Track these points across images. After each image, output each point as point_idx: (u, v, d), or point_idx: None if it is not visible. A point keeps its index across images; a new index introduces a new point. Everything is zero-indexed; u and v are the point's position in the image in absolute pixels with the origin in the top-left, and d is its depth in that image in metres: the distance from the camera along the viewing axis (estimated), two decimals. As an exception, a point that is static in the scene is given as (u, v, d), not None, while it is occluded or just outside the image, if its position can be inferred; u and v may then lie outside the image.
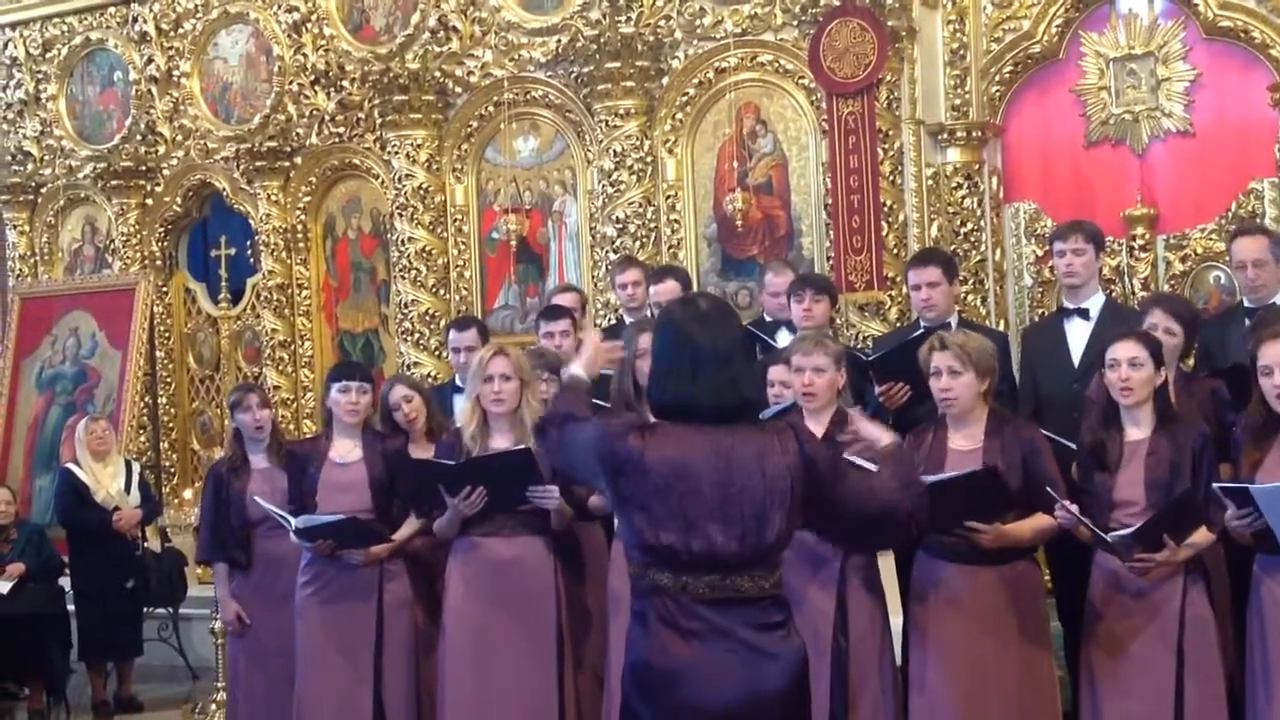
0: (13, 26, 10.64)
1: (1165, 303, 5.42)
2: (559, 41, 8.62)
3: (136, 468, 8.37)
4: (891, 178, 7.70)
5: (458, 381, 6.40)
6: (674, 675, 3.34)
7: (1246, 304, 5.64)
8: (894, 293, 7.58)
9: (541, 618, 5.17)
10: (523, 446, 5.07)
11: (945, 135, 7.68)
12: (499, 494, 5.10)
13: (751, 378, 3.47)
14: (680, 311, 3.51)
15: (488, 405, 5.19)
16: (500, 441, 5.20)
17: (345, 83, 9.32)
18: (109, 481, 8.00)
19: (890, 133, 7.69)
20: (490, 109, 8.92)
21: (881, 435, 3.82)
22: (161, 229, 10.15)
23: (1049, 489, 4.53)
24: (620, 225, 8.32)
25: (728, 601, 3.33)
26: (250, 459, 6.23)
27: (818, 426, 4.95)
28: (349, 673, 5.55)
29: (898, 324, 7.37)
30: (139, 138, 10.07)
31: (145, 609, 8.25)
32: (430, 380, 7.93)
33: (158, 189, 10.08)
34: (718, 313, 3.45)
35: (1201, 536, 4.48)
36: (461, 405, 5.39)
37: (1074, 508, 4.48)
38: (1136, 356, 4.61)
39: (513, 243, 8.77)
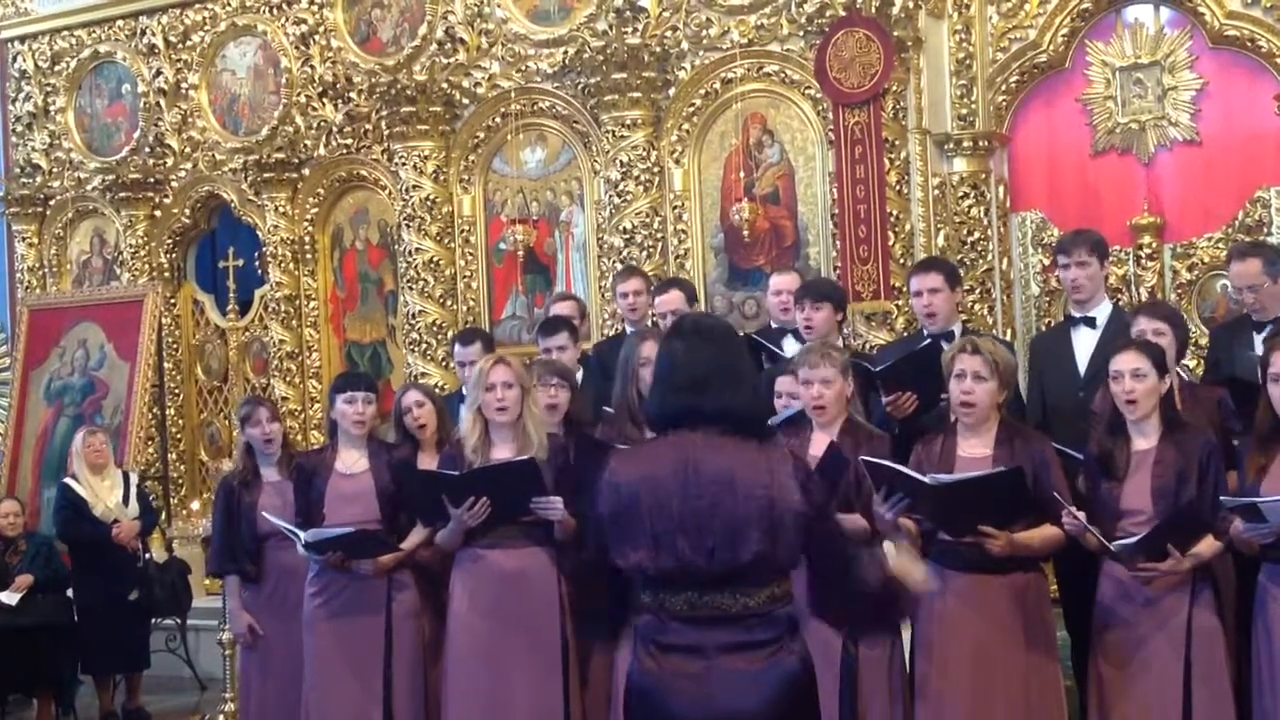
0: (21, 39, 10.69)
1: (1145, 309, 5.50)
2: (566, 53, 8.64)
3: (135, 478, 8.35)
4: (898, 187, 7.70)
5: (464, 392, 6.41)
6: (648, 691, 3.31)
7: (1254, 318, 5.65)
8: (900, 302, 7.57)
9: (546, 629, 5.16)
10: (527, 457, 5.07)
11: (951, 145, 7.68)
12: (503, 505, 5.10)
13: (740, 390, 3.34)
14: (670, 330, 3.52)
15: (490, 414, 5.20)
16: (503, 451, 5.20)
17: (353, 94, 9.35)
18: (107, 494, 8.00)
19: (896, 142, 7.70)
20: (497, 120, 8.94)
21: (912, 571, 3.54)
22: (170, 240, 10.18)
23: (1056, 494, 4.53)
24: (627, 236, 8.33)
25: (707, 620, 3.25)
26: (261, 472, 6.23)
27: (827, 437, 4.97)
28: (358, 685, 5.55)
29: (904, 333, 7.37)
30: (147, 150, 10.10)
31: (153, 620, 8.25)
32: (439, 390, 7.94)
33: (166, 201, 10.11)
34: (704, 329, 3.41)
35: (1207, 546, 4.48)
36: (463, 416, 5.38)
37: (1081, 515, 4.48)
38: (1139, 368, 4.61)
39: (520, 253, 8.78)
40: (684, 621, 3.26)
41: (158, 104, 10.09)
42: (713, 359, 3.32)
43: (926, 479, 4.49)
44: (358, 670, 5.55)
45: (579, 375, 6.03)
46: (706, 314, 3.75)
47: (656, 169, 8.37)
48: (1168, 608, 4.55)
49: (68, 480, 8.11)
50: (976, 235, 7.67)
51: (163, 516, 9.45)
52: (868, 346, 7.50)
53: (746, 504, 3.21)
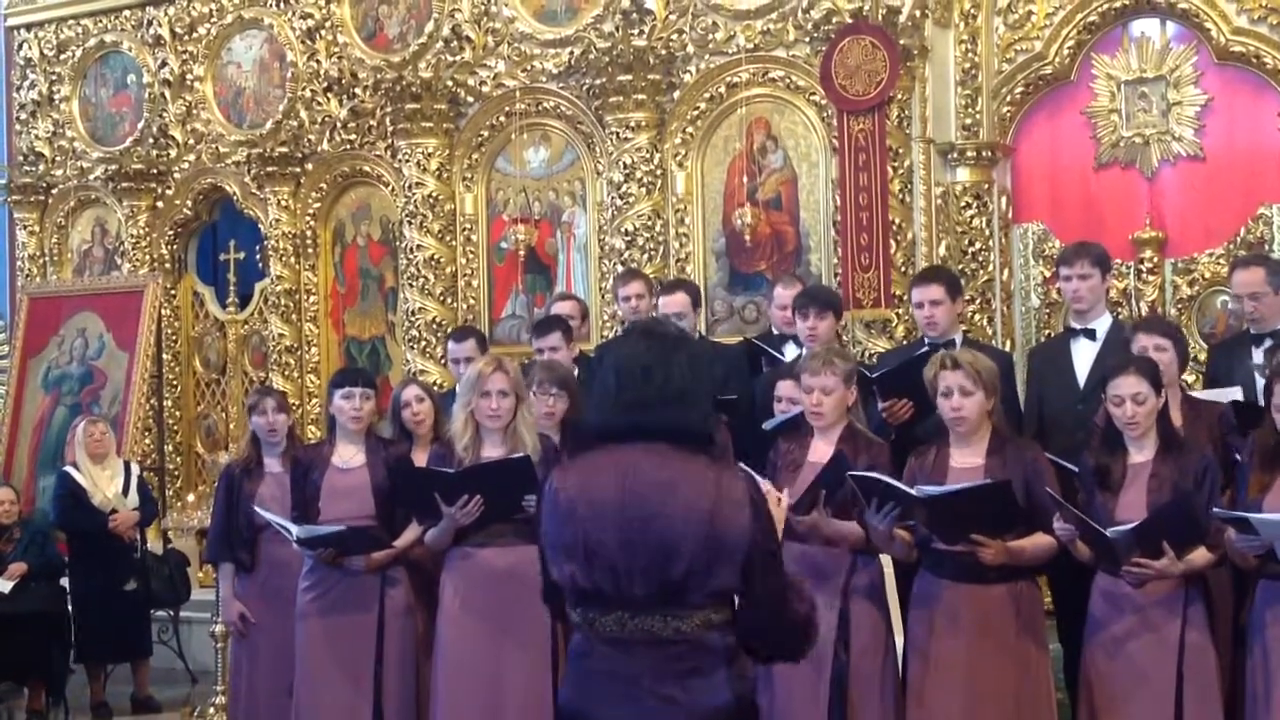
0: (28, 28, 10.70)
1: (1145, 326, 5.47)
2: (571, 53, 8.64)
3: (136, 469, 8.34)
4: (901, 196, 7.70)
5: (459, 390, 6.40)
6: (574, 716, 3.17)
7: (1252, 331, 5.66)
8: (901, 310, 7.58)
9: (536, 627, 5.14)
10: (522, 454, 5.07)
11: (955, 154, 7.68)
12: (496, 502, 5.09)
13: (693, 410, 3.12)
14: (618, 339, 3.31)
15: (484, 420, 5.19)
16: (493, 452, 5.19)
17: (358, 90, 9.35)
18: (107, 484, 7.99)
19: (900, 151, 7.70)
20: (501, 119, 8.94)
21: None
22: (171, 232, 10.19)
23: (1049, 491, 4.54)
24: (629, 238, 8.33)
25: (636, 643, 3.05)
26: (265, 462, 6.24)
27: (826, 444, 4.97)
28: (349, 680, 5.55)
29: (904, 341, 7.38)
30: (151, 140, 10.10)
31: (152, 610, 8.25)
32: (436, 388, 7.93)
33: (168, 192, 10.11)
34: (659, 340, 3.16)
35: (1201, 557, 4.48)
36: (454, 414, 5.37)
37: (1071, 526, 4.48)
38: (1139, 392, 4.62)
39: (521, 253, 8.78)
40: (612, 644, 3.08)
41: (162, 95, 10.09)
42: (669, 377, 3.10)
43: (915, 491, 4.50)
44: (348, 666, 5.55)
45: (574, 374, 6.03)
46: (655, 322, 3.51)
47: (659, 171, 8.37)
48: (1160, 622, 4.55)
49: (68, 468, 8.10)
50: (978, 245, 7.68)
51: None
52: (867, 354, 7.50)
53: (686, 519, 3.01)
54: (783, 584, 3.12)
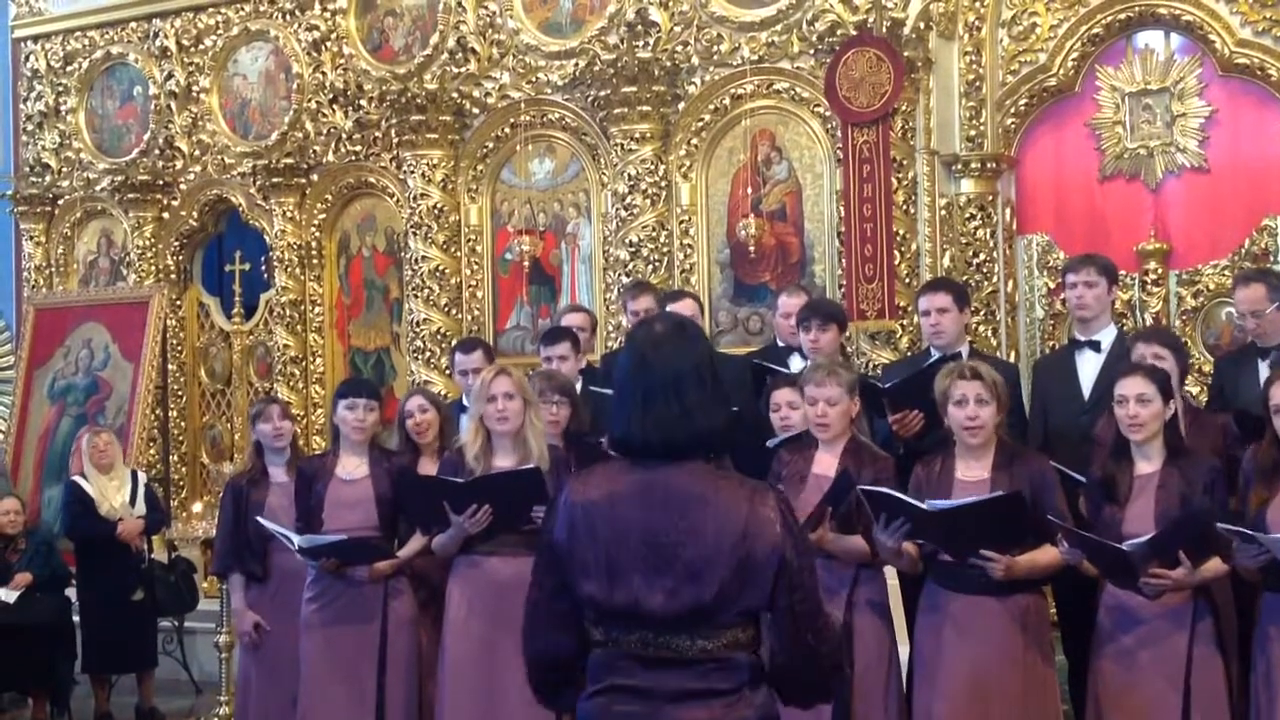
0: (34, 39, 10.72)
1: (1144, 335, 5.46)
2: (576, 65, 8.65)
3: (143, 479, 8.37)
4: (905, 207, 7.70)
5: (464, 401, 6.41)
6: None
7: (1258, 345, 5.65)
8: (905, 321, 7.58)
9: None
10: (532, 465, 5.08)
11: (959, 166, 7.69)
12: (505, 513, 5.11)
13: (713, 408, 2.97)
14: (635, 336, 3.10)
15: (492, 425, 5.21)
16: (504, 461, 5.21)
17: (363, 102, 9.37)
18: (114, 494, 8.01)
19: (904, 162, 7.71)
20: (506, 130, 8.96)
21: None
22: (177, 243, 10.20)
23: (1052, 518, 4.53)
24: (633, 249, 8.34)
25: (661, 662, 2.90)
26: (269, 472, 6.24)
27: (830, 456, 4.97)
28: (351, 690, 5.56)
29: (908, 353, 7.38)
30: (157, 152, 10.12)
31: (158, 620, 8.25)
32: (442, 398, 7.94)
33: (174, 203, 10.13)
34: (674, 335, 3.01)
35: (1215, 567, 4.47)
36: (465, 425, 5.39)
37: (1077, 550, 4.47)
38: (1144, 393, 4.61)
39: (526, 264, 8.79)
40: (636, 662, 2.92)
41: (168, 106, 10.12)
42: (677, 370, 2.95)
43: (925, 505, 4.48)
44: (351, 676, 5.56)
45: (578, 385, 6.03)
46: (667, 316, 3.33)
47: (664, 183, 8.38)
48: (1167, 635, 4.54)
49: (76, 478, 8.13)
50: (982, 257, 7.69)
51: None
52: (871, 365, 7.50)
53: (718, 537, 2.87)
54: (817, 601, 2.97)
